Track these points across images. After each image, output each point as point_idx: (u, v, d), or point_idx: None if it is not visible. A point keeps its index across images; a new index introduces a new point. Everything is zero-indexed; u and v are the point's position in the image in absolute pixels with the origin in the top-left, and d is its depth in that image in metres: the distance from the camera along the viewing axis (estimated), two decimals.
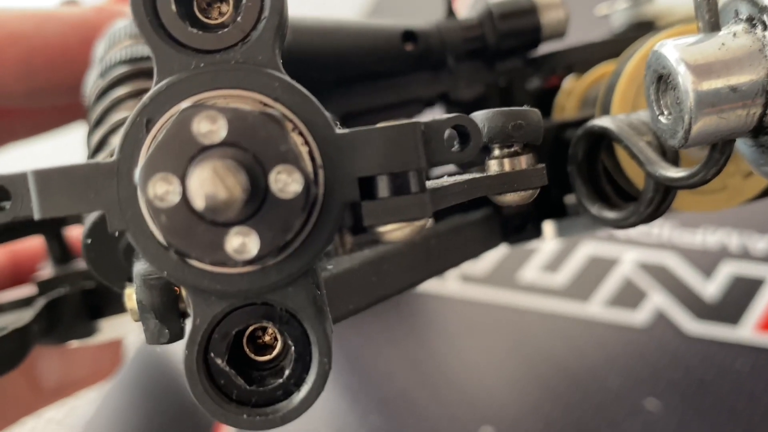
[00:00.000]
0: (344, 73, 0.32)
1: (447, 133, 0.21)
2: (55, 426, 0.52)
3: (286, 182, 0.18)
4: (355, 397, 0.48)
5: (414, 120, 0.20)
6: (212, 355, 0.20)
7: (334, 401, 0.47)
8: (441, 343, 0.50)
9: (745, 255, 0.49)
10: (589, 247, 0.52)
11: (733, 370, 0.43)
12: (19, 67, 0.39)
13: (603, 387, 0.45)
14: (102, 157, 0.27)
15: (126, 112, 0.29)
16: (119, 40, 0.32)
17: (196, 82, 0.19)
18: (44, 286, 0.36)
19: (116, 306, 0.35)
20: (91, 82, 0.31)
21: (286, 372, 0.21)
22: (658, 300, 0.48)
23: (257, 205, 0.18)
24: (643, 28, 0.41)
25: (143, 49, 0.31)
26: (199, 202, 0.17)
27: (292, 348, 0.20)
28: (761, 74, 0.23)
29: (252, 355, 0.21)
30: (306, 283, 0.20)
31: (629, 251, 0.51)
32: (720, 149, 0.24)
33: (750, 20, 0.23)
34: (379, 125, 0.20)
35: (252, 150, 0.18)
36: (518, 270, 0.53)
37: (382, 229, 0.20)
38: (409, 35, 0.32)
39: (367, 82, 0.33)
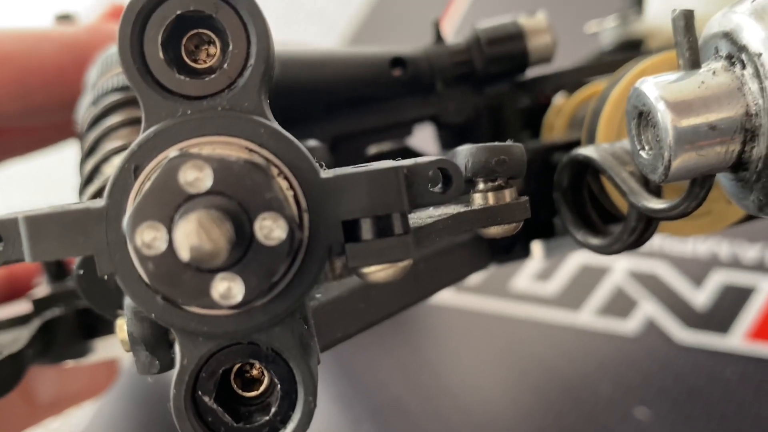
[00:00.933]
0: (334, 99, 0.32)
1: (429, 174, 0.21)
2: None
3: (271, 229, 0.18)
4: (348, 406, 0.48)
5: (397, 163, 0.21)
6: (200, 393, 0.21)
7: (327, 409, 0.48)
8: (434, 351, 0.51)
9: (735, 264, 0.49)
10: (581, 256, 0.52)
11: (722, 379, 0.44)
12: (15, 87, 0.39)
13: (594, 395, 0.45)
14: (93, 188, 0.27)
15: (118, 141, 0.29)
16: (111, 66, 0.32)
17: (183, 130, 0.20)
18: (39, 305, 0.36)
19: (110, 326, 0.36)
20: (84, 109, 0.32)
21: (273, 409, 0.21)
22: (648, 308, 0.48)
23: (242, 251, 0.19)
24: (632, 47, 0.41)
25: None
26: (184, 254, 0.17)
27: (278, 386, 0.21)
28: (740, 112, 0.23)
29: (239, 391, 0.22)
30: (292, 322, 0.21)
31: (620, 260, 0.51)
32: (700, 184, 0.24)
33: (729, 58, 0.24)
34: (362, 168, 0.20)
35: (237, 198, 0.18)
36: (510, 279, 0.53)
37: (367, 270, 0.21)
38: (397, 61, 0.33)
39: (357, 106, 0.33)
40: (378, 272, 0.21)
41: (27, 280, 0.45)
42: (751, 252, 0.49)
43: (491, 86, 0.35)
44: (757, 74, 0.23)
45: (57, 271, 0.39)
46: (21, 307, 0.38)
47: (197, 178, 0.18)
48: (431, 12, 0.72)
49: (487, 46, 0.34)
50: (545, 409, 0.45)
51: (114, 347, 0.37)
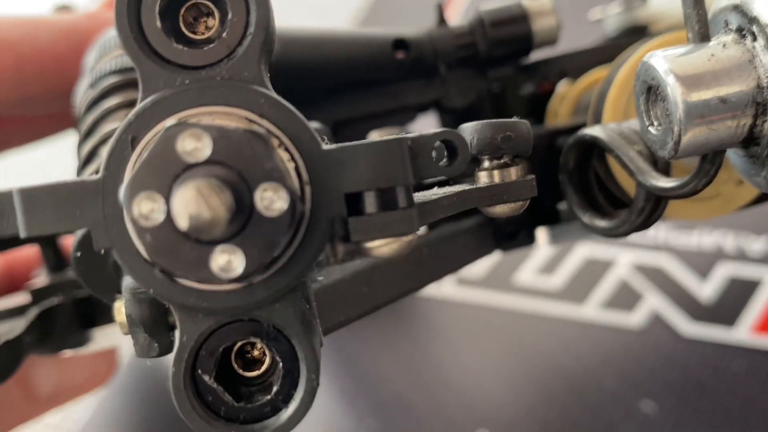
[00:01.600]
0: (335, 81, 0.32)
1: (435, 147, 0.20)
2: (52, 431, 0.52)
3: (271, 200, 0.18)
4: (351, 401, 0.48)
5: (401, 135, 0.20)
6: (200, 371, 0.20)
7: (331, 405, 0.48)
8: (437, 346, 0.50)
9: (741, 256, 0.49)
10: (585, 249, 0.52)
11: (729, 372, 0.43)
12: (11, 75, 0.38)
13: (599, 389, 0.45)
14: (91, 170, 0.27)
15: (116, 123, 0.29)
16: (109, 49, 0.32)
17: (182, 99, 0.19)
18: (38, 295, 0.36)
19: (109, 315, 0.35)
20: (82, 92, 0.31)
21: (275, 388, 0.20)
22: (654, 302, 0.48)
23: (243, 223, 0.18)
24: (636, 32, 0.41)
25: None
26: (183, 223, 0.17)
27: (280, 364, 0.20)
28: (751, 85, 0.23)
29: (240, 371, 0.21)
30: (294, 298, 0.20)
31: (625, 253, 0.51)
32: (710, 160, 0.24)
33: (740, 31, 0.23)
34: (365, 141, 0.20)
35: (237, 168, 0.18)
36: (514, 272, 0.53)
37: (370, 244, 0.20)
38: (400, 43, 0.32)
39: (359, 89, 0.33)
40: (382, 247, 0.20)
41: (26, 272, 0.44)
42: (757, 244, 0.49)
43: (495, 69, 0.34)
44: None
45: (56, 261, 0.39)
46: (19, 298, 0.38)
47: (195, 147, 0.18)
48: (432, 7, 0.72)
49: (491, 28, 0.33)
50: (550, 403, 0.45)
51: (113, 337, 0.36)
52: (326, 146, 0.20)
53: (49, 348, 0.35)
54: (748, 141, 0.23)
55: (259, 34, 0.20)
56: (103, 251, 0.19)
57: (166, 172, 0.18)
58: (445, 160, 0.21)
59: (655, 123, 0.24)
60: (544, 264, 0.53)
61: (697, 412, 0.42)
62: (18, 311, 0.36)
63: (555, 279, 0.52)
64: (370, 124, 0.35)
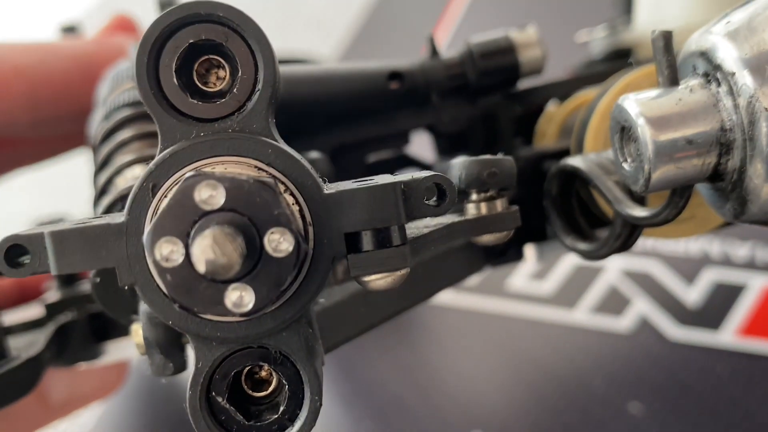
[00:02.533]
0: (334, 113, 0.34)
1: (425, 188, 0.22)
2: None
3: (279, 242, 0.20)
4: (349, 404, 0.49)
5: (395, 179, 0.22)
6: (213, 394, 0.22)
7: (329, 408, 0.49)
8: (432, 350, 0.52)
9: (726, 262, 0.51)
10: (575, 256, 0.53)
11: (714, 374, 0.45)
12: (24, 100, 0.40)
13: (588, 391, 0.46)
14: (107, 201, 0.29)
15: (130, 155, 0.31)
16: (122, 82, 0.34)
17: (197, 150, 0.21)
18: (52, 309, 0.38)
19: (122, 329, 0.37)
20: (96, 124, 0.33)
21: (281, 408, 0.23)
22: (641, 306, 0.50)
23: (253, 263, 0.20)
24: (621, 55, 0.43)
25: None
26: (201, 267, 0.19)
27: (286, 386, 0.23)
28: (715, 127, 0.25)
29: (250, 391, 0.23)
30: (298, 327, 0.22)
31: (614, 259, 0.52)
32: (679, 194, 0.26)
33: (706, 75, 0.25)
34: (363, 185, 0.22)
35: (248, 214, 0.20)
36: (507, 279, 0.54)
37: (367, 278, 0.22)
38: (394, 75, 0.34)
39: (356, 119, 0.35)
40: (378, 280, 0.22)
41: (37, 283, 0.46)
42: (741, 250, 0.51)
43: (484, 98, 0.36)
44: (731, 92, 0.24)
45: (67, 276, 0.41)
46: (34, 311, 0.39)
47: (211, 195, 0.20)
48: (427, 19, 0.74)
49: (480, 59, 0.35)
50: (541, 405, 0.46)
51: (124, 350, 0.38)
52: (327, 190, 0.22)
53: (65, 361, 0.37)
54: (714, 177, 0.25)
55: (266, 90, 0.22)
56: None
57: (185, 219, 0.20)
58: (434, 200, 0.23)
59: (629, 159, 0.26)
60: (535, 270, 0.54)
61: (683, 414, 0.44)
62: (33, 324, 0.38)
63: (546, 285, 0.53)
64: (368, 148, 0.37)
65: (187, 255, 0.20)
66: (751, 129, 0.24)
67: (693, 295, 0.49)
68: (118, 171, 0.30)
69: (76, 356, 0.37)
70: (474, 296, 0.54)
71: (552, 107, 0.39)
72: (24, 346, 0.34)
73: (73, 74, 0.41)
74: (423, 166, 0.40)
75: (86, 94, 0.40)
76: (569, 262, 0.53)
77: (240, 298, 0.20)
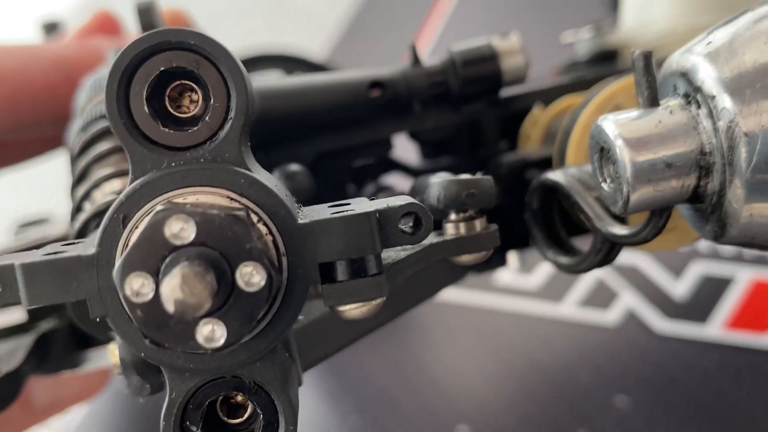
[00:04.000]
0: (316, 123, 0.34)
1: (400, 217, 0.22)
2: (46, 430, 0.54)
3: (251, 276, 0.20)
4: (335, 398, 0.49)
5: (368, 209, 0.22)
6: (188, 423, 0.22)
7: (315, 402, 0.49)
8: (419, 344, 0.52)
9: (714, 255, 0.51)
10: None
11: (701, 367, 0.45)
12: (5, 104, 0.40)
13: (575, 384, 0.46)
14: (85, 216, 0.29)
15: (108, 168, 0.30)
16: (99, 91, 0.33)
17: (168, 181, 0.21)
18: (33, 314, 0.38)
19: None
20: (74, 134, 0.33)
21: None
22: (628, 300, 0.50)
23: (225, 298, 0.20)
24: (606, 57, 0.42)
25: None
26: (170, 307, 0.19)
27: (261, 416, 0.22)
28: (694, 150, 0.24)
29: (225, 418, 0.23)
30: (273, 356, 0.22)
31: None
32: (658, 214, 0.26)
33: (686, 96, 0.25)
34: (337, 214, 0.22)
35: (219, 248, 0.20)
36: (493, 273, 0.54)
37: (343, 308, 0.22)
38: (375, 84, 0.34)
39: (338, 128, 0.35)
40: (353, 310, 0.22)
41: None
42: None
43: (467, 105, 0.36)
44: (711, 114, 0.24)
45: None
46: (15, 316, 0.39)
47: (182, 229, 0.20)
48: (416, 13, 0.73)
49: (462, 67, 0.35)
50: (528, 398, 0.47)
51: (107, 358, 0.38)
52: (301, 220, 0.22)
53: (47, 370, 0.36)
54: (693, 199, 0.25)
55: (239, 119, 0.21)
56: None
57: (155, 254, 0.20)
58: (410, 226, 0.22)
59: (608, 180, 0.26)
60: (523, 264, 0.54)
61: (669, 407, 0.44)
62: (15, 330, 0.38)
63: (533, 279, 0.53)
64: (350, 155, 0.37)
65: (158, 291, 0.20)
66: (730, 153, 0.24)
67: (680, 288, 0.49)
68: (96, 185, 0.30)
69: (58, 365, 0.37)
70: (461, 291, 0.53)
71: (537, 110, 0.38)
72: (4, 355, 0.34)
73: (54, 79, 0.41)
74: (407, 170, 0.40)
75: (67, 99, 0.40)
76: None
77: (212, 332, 0.20)
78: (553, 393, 0.46)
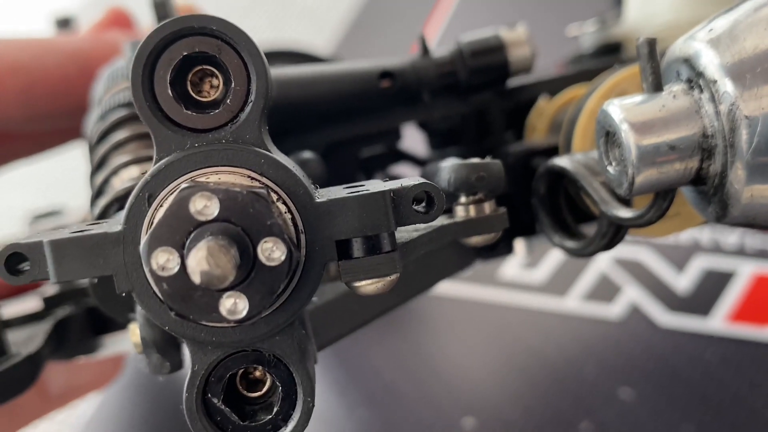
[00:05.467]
0: (327, 112, 0.34)
1: (414, 196, 0.23)
2: (57, 425, 0.54)
3: (271, 251, 0.21)
4: (343, 392, 0.50)
5: (384, 187, 0.23)
6: (209, 395, 0.23)
7: (323, 396, 0.50)
8: (426, 338, 0.53)
9: (716, 249, 0.51)
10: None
11: (703, 360, 0.46)
12: (20, 96, 0.41)
13: (580, 377, 0.47)
14: (104, 201, 0.29)
15: (126, 155, 0.31)
16: (117, 81, 0.34)
17: (191, 161, 0.22)
18: (50, 302, 0.39)
19: (119, 323, 0.38)
20: (92, 124, 0.34)
21: (275, 409, 0.23)
22: (632, 294, 0.50)
23: (247, 272, 0.21)
24: (610, 50, 0.43)
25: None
26: (196, 279, 0.19)
27: (280, 388, 0.23)
28: (697, 133, 0.25)
29: (244, 392, 0.24)
30: (291, 330, 0.23)
31: None
32: (662, 196, 0.26)
33: (689, 81, 0.26)
34: (353, 193, 0.23)
35: (241, 224, 0.21)
36: (499, 268, 0.55)
37: (358, 284, 0.23)
38: (385, 74, 0.35)
39: (348, 117, 0.35)
40: (368, 286, 0.23)
41: None
42: (731, 238, 0.52)
43: (475, 95, 0.37)
44: (713, 99, 0.25)
45: None
46: (31, 304, 0.40)
47: (206, 206, 0.20)
48: (419, 9, 0.74)
49: (470, 58, 0.36)
50: (532, 391, 0.47)
51: (122, 343, 0.39)
52: (319, 199, 0.22)
53: (64, 355, 0.37)
54: (696, 181, 0.26)
55: (259, 101, 0.22)
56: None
57: (180, 230, 0.20)
58: (423, 206, 0.23)
59: (613, 163, 0.27)
60: (527, 259, 0.55)
61: (673, 399, 0.44)
62: (32, 318, 0.39)
63: (538, 273, 0.54)
64: (359, 145, 0.37)
65: (183, 264, 0.20)
66: (731, 136, 0.24)
67: (683, 282, 0.50)
68: (115, 172, 0.31)
69: (74, 350, 0.37)
70: (467, 285, 0.54)
71: (542, 102, 0.39)
72: (23, 341, 0.35)
73: (69, 71, 0.42)
74: (415, 161, 0.41)
75: (82, 91, 0.41)
76: (558, 251, 0.54)
77: (234, 305, 0.21)
78: (558, 386, 0.47)
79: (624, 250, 0.52)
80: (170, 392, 0.53)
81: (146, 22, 0.47)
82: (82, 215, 0.46)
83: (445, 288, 0.54)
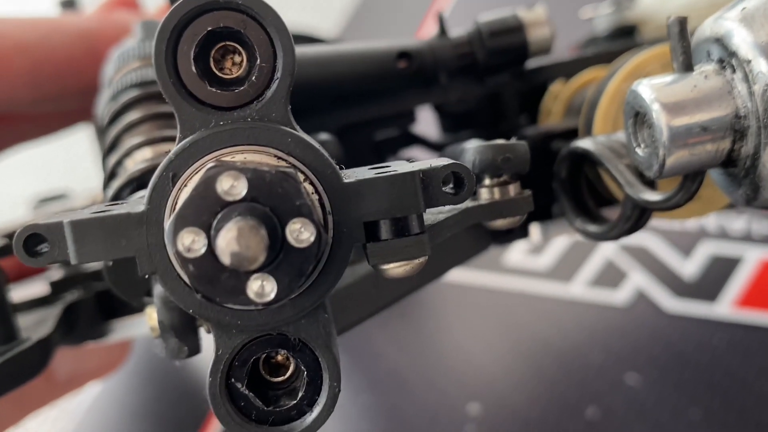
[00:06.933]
0: (343, 93, 0.34)
1: (443, 177, 0.23)
2: (58, 412, 0.54)
3: (300, 233, 0.20)
4: (347, 377, 0.50)
5: (413, 168, 0.22)
6: (233, 380, 0.22)
7: None
8: (430, 324, 0.52)
9: (722, 235, 0.51)
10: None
11: (710, 345, 0.46)
12: (26, 76, 0.40)
13: (586, 363, 0.47)
14: (118, 183, 0.29)
15: (139, 137, 0.30)
16: (128, 62, 0.33)
17: (217, 140, 0.21)
18: (57, 287, 0.38)
19: (128, 307, 0.37)
20: (103, 105, 0.33)
21: (300, 393, 0.23)
22: (638, 280, 0.50)
23: (275, 253, 0.20)
24: (625, 33, 0.42)
25: (153, 72, 0.32)
26: (226, 260, 0.19)
27: (305, 372, 0.23)
28: (729, 114, 0.25)
29: (267, 377, 0.23)
30: (317, 314, 0.23)
31: None
32: (692, 178, 0.26)
33: (720, 61, 0.25)
34: (382, 173, 0.22)
35: (269, 204, 0.20)
36: (504, 254, 0.55)
37: (386, 266, 0.22)
38: (403, 55, 0.34)
39: (364, 98, 0.35)
40: (396, 268, 0.22)
41: None
42: (737, 223, 0.51)
43: (492, 77, 0.36)
44: (746, 79, 0.24)
45: None
46: (39, 288, 0.40)
47: (233, 186, 0.20)
48: (422, 2, 0.73)
49: (489, 38, 0.35)
50: (538, 377, 0.47)
51: (131, 328, 0.38)
52: (347, 179, 0.22)
53: (73, 340, 0.37)
54: (727, 163, 0.26)
55: (285, 79, 0.22)
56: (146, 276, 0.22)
57: (207, 210, 0.20)
58: (451, 187, 0.23)
59: (642, 145, 0.26)
60: (533, 246, 0.54)
61: (679, 384, 0.44)
62: (40, 302, 0.38)
63: (543, 259, 0.54)
64: (374, 127, 0.37)
65: (210, 245, 0.20)
66: (765, 116, 0.24)
67: (690, 267, 0.50)
68: (128, 153, 0.30)
69: (84, 335, 0.37)
70: (472, 271, 0.54)
71: (557, 85, 0.39)
72: (32, 326, 0.35)
73: (76, 51, 0.41)
74: (428, 144, 0.40)
75: (89, 71, 0.40)
76: (566, 236, 0.53)
77: (262, 287, 0.20)
78: (564, 371, 0.47)
79: (629, 236, 0.52)
80: (171, 381, 0.52)
81: (152, 3, 0.46)
82: (88, 198, 0.45)
83: (450, 274, 0.54)
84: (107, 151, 0.31)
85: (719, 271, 0.50)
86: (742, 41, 0.24)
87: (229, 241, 0.19)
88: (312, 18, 0.75)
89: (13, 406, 0.38)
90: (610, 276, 0.51)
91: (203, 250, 0.20)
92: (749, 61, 0.24)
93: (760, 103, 0.24)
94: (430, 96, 0.36)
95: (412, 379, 0.49)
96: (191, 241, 0.20)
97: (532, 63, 0.37)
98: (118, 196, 0.29)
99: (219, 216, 0.20)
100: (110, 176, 0.30)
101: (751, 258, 0.49)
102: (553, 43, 0.36)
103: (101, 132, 0.33)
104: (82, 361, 0.43)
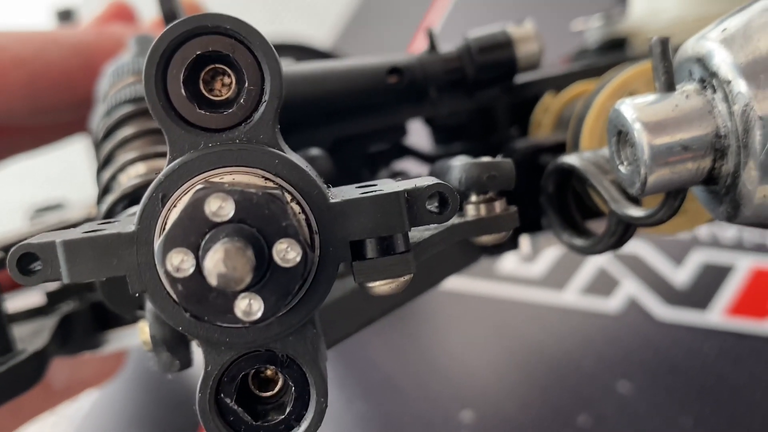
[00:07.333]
0: (335, 108, 0.34)
1: (428, 196, 0.23)
2: (56, 417, 0.54)
3: (286, 253, 0.21)
4: (341, 385, 0.50)
5: (398, 187, 0.23)
6: (222, 395, 0.23)
7: None
8: (424, 332, 0.53)
9: (714, 243, 0.52)
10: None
11: (701, 353, 0.46)
12: (23, 89, 0.41)
13: (578, 371, 0.47)
14: (112, 198, 0.29)
15: (133, 152, 0.31)
16: (122, 77, 0.34)
17: (206, 161, 0.22)
18: (53, 297, 0.38)
19: (123, 318, 0.38)
20: (98, 119, 0.34)
21: (288, 408, 0.23)
22: (630, 287, 0.51)
23: (262, 273, 0.21)
24: (616, 45, 0.43)
25: None
26: (213, 281, 0.19)
27: (293, 388, 0.23)
28: (710, 133, 0.25)
29: (256, 391, 0.24)
30: (305, 331, 0.23)
31: None
32: (674, 196, 0.26)
33: (702, 81, 0.26)
34: (367, 194, 0.22)
35: (256, 225, 0.21)
36: (497, 261, 0.55)
37: (372, 284, 0.23)
38: (393, 70, 0.34)
39: (355, 113, 0.35)
40: (382, 286, 0.23)
41: None
42: (729, 232, 0.52)
43: (482, 91, 0.37)
44: (726, 99, 0.25)
45: None
46: (34, 298, 0.40)
47: (221, 207, 0.20)
48: (418, 5, 0.74)
49: (478, 54, 0.35)
50: (531, 384, 0.47)
51: (127, 338, 0.39)
52: (333, 199, 0.22)
53: (69, 351, 0.37)
54: (708, 181, 0.26)
55: (273, 101, 0.22)
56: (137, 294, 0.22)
57: (196, 231, 0.20)
58: (436, 206, 0.23)
59: (625, 163, 0.27)
60: (526, 253, 0.55)
61: (671, 392, 0.45)
62: (35, 312, 0.38)
63: (536, 267, 0.54)
64: (366, 141, 0.37)
65: (198, 265, 0.20)
66: (745, 136, 0.24)
67: (681, 276, 0.50)
68: (121, 168, 0.31)
69: (79, 346, 0.37)
70: (465, 279, 0.54)
71: (548, 97, 0.39)
72: (28, 336, 0.35)
73: (72, 64, 0.41)
74: (420, 156, 0.41)
75: (85, 84, 0.40)
76: (559, 244, 0.54)
77: (249, 306, 0.21)
78: (556, 379, 0.47)
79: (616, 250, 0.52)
80: (167, 389, 0.53)
81: (148, 15, 0.47)
82: (84, 209, 0.46)
83: (444, 282, 0.54)
84: (101, 166, 0.32)
85: (711, 279, 0.50)
86: (722, 62, 0.25)
87: (216, 262, 0.19)
88: (308, 25, 0.76)
89: (9, 415, 0.39)
90: (603, 284, 0.51)
91: (192, 270, 0.20)
92: (729, 82, 0.25)
93: (740, 123, 0.24)
94: (421, 110, 0.37)
95: (406, 387, 0.49)
96: (180, 261, 0.20)
97: (521, 77, 0.38)
98: (111, 211, 0.30)
99: (207, 237, 0.20)
100: (104, 191, 0.31)
101: (743, 266, 0.50)
102: (541, 59, 0.36)
103: (97, 146, 0.33)
104: (79, 369, 0.44)
